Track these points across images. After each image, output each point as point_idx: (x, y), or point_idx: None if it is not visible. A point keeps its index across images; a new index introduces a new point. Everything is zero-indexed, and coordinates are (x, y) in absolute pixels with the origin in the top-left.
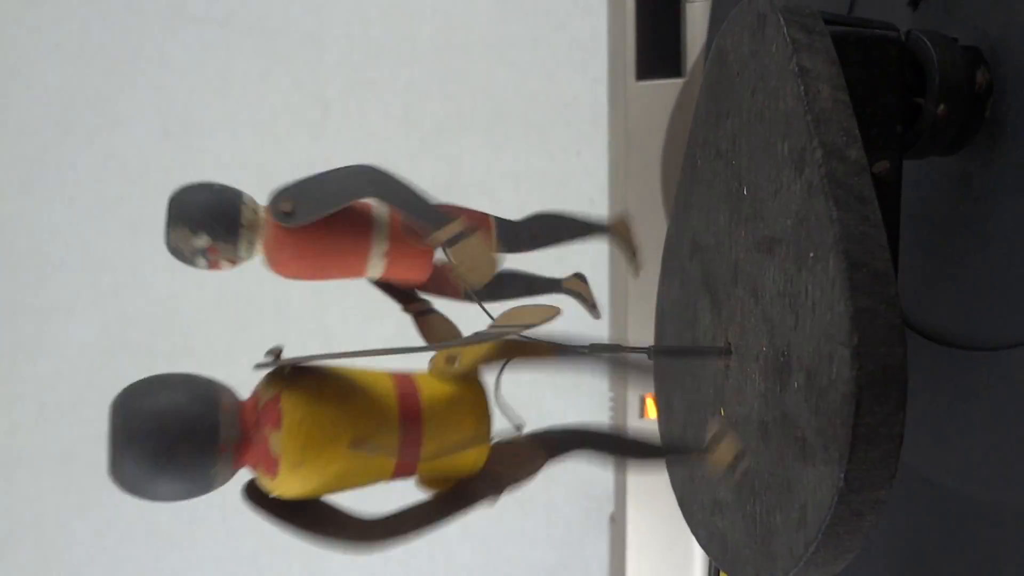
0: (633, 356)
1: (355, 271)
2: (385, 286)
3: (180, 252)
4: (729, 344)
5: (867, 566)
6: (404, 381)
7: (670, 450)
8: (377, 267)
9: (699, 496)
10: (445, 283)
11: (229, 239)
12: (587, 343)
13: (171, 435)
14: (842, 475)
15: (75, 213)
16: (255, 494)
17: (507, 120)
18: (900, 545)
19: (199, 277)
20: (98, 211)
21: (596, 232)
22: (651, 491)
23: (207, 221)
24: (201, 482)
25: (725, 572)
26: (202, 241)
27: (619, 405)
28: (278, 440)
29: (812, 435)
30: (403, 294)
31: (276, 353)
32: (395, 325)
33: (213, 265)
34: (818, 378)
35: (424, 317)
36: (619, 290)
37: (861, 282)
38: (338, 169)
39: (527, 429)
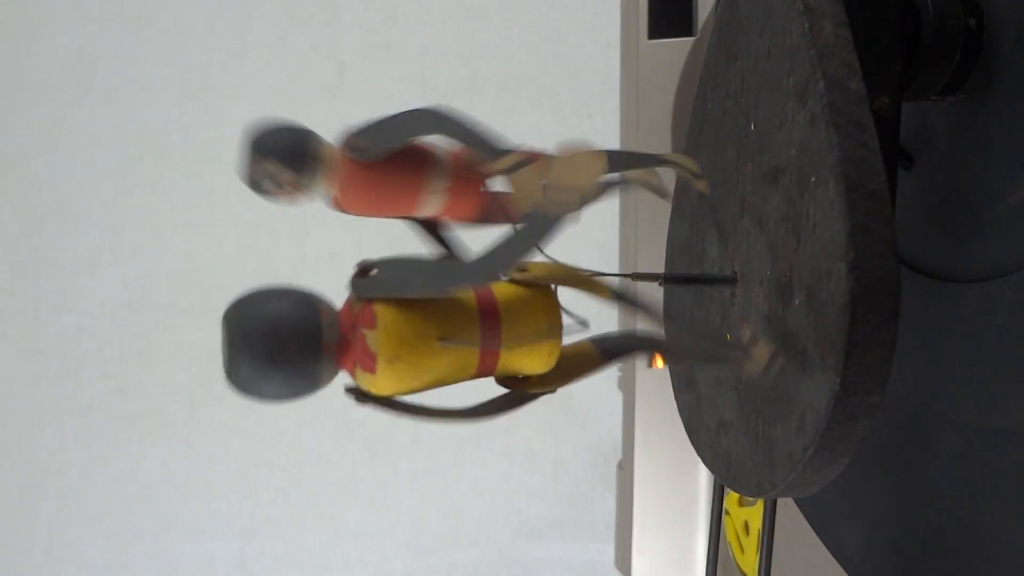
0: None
1: (413, 207)
2: (430, 227)
3: (260, 180)
4: (735, 272)
5: (858, 492)
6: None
7: (706, 339)
8: (434, 204)
9: (704, 419)
10: (499, 215)
11: (307, 170)
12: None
13: (281, 336)
14: (838, 380)
15: (96, 172)
16: (359, 392)
17: (520, 83)
18: (888, 469)
19: (217, 236)
20: (118, 171)
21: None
22: (658, 438)
23: (291, 152)
24: (310, 378)
25: (730, 487)
26: (287, 175)
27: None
28: (374, 337)
29: (812, 347)
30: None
31: (365, 268)
32: None
33: (287, 193)
34: (817, 294)
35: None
36: (629, 239)
37: (858, 202)
38: (402, 112)
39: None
